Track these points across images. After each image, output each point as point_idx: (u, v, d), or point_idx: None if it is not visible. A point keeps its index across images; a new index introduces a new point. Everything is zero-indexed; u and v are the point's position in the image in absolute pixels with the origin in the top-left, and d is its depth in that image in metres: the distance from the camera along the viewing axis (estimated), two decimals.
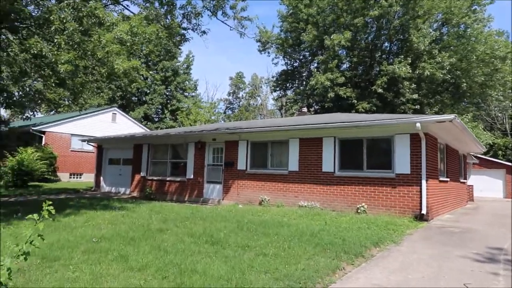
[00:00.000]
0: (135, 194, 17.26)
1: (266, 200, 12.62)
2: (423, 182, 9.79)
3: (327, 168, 11.60)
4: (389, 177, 10.41)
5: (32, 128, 22.37)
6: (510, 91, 25.62)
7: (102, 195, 16.67)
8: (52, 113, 40.32)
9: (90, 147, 22.28)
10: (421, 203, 9.79)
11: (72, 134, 24.14)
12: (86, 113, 26.10)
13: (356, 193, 10.96)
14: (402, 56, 23.02)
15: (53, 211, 3.03)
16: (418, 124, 9.35)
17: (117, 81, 10.73)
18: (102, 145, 19.67)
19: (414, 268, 5.30)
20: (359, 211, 10.58)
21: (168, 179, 16.13)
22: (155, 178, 16.64)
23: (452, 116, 8.95)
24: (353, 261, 5.52)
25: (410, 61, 22.61)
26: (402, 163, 10.19)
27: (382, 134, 10.72)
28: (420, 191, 9.84)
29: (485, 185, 29.03)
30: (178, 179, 15.70)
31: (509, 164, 33.26)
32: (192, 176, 15.14)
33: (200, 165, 14.99)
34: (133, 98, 40.71)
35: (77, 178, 24.68)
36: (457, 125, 9.78)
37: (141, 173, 17.22)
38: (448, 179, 12.71)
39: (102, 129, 24.89)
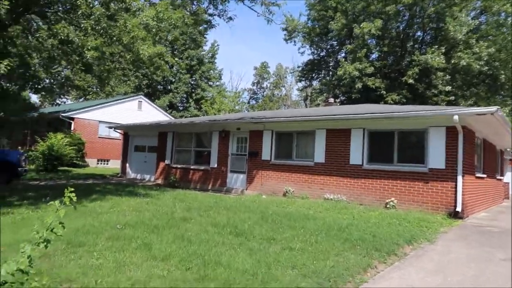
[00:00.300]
0: (159, 181, 17.40)
1: (291, 192, 12.36)
2: (459, 178, 9.23)
3: (355, 161, 11.18)
4: (421, 172, 9.90)
5: (62, 114, 22.96)
6: None
7: (127, 182, 16.91)
8: (81, 100, 41.43)
9: (116, 134, 22.65)
10: (456, 199, 9.26)
11: (99, 121, 24.62)
12: (113, 101, 26.58)
13: (385, 187, 10.51)
14: (436, 46, 21.91)
15: (74, 198, 2.88)
16: (456, 117, 8.76)
17: (143, 67, 10.63)
18: (128, 132, 19.91)
19: (453, 270, 4.93)
20: (388, 206, 10.15)
21: (192, 167, 16.13)
22: (179, 166, 16.69)
23: (494, 108, 8.33)
24: (385, 259, 5.20)
25: (444, 51, 21.51)
26: (436, 157, 9.65)
27: (415, 127, 10.18)
28: (455, 187, 9.29)
29: None
30: (202, 167, 15.67)
31: None
32: (215, 165, 15.06)
33: (224, 154, 14.87)
34: (158, 87, 41.12)
35: (104, 164, 25.24)
36: (499, 118, 9.11)
37: (165, 160, 17.32)
38: (485, 176, 12.01)
39: (128, 117, 25.24)
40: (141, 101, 27.46)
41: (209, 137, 15.51)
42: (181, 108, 42.53)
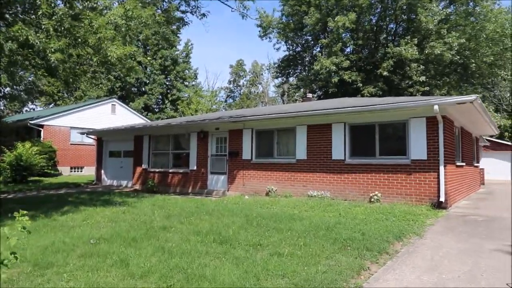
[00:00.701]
0: (137, 187, 16.78)
1: (273, 191, 12.10)
2: (441, 168, 9.21)
3: (337, 156, 11.03)
4: (404, 164, 9.84)
5: (30, 122, 21.83)
6: None
7: (103, 189, 16.20)
8: (50, 106, 39.77)
9: (90, 140, 21.74)
10: (439, 190, 9.24)
11: (71, 127, 23.60)
12: (85, 105, 25.57)
13: (369, 181, 10.41)
14: (409, 37, 22.16)
15: (28, 224, 2.45)
16: (436, 107, 8.72)
17: (113, 69, 10.01)
18: (102, 137, 19.12)
19: (447, 266, 4.76)
20: (372, 200, 10.05)
21: (170, 171, 15.61)
22: (157, 170, 16.12)
23: (473, 96, 8.31)
24: (377, 259, 4.99)
25: (416, 42, 21.78)
26: (418, 148, 9.60)
27: (396, 119, 10.10)
28: (438, 178, 9.27)
29: (493, 167, 28.41)
30: (181, 170, 15.18)
31: None
32: (195, 167, 14.61)
33: (203, 156, 14.44)
34: (132, 89, 39.99)
35: (78, 171, 24.23)
36: (478, 106, 9.15)
37: (142, 165, 16.70)
38: (464, 164, 12.13)
39: (101, 121, 24.32)
40: (114, 105, 26.52)
41: (187, 138, 15.03)
42: (157, 110, 41.56)
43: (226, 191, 13.59)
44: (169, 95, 40.62)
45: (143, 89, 40.31)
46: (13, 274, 4.45)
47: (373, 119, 10.44)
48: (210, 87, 53.57)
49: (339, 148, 10.99)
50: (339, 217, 7.79)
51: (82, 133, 19.56)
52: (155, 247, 5.47)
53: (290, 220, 7.30)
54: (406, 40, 21.82)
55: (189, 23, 12.07)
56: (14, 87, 12.61)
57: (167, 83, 41.72)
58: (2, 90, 12.61)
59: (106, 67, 9.89)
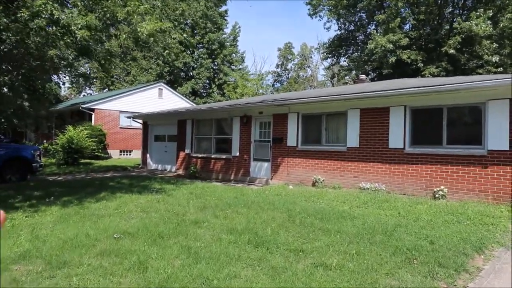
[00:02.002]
0: (180, 172, 16.54)
1: (321, 181, 11.04)
2: None
3: (395, 144, 9.67)
4: (478, 155, 8.28)
5: (82, 106, 22.52)
6: None
7: (147, 173, 16.16)
8: (105, 91, 41.41)
9: (138, 124, 21.98)
10: None
11: (120, 111, 24.04)
12: (133, 89, 25.94)
13: (433, 173, 8.98)
14: (481, 10, 19.40)
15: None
16: None
17: (146, 47, 9.40)
18: (148, 121, 19.13)
19: None
20: (436, 196, 8.64)
21: (213, 156, 15.09)
22: (199, 155, 15.70)
23: None
24: (454, 280, 3.86)
25: (490, 15, 19.01)
26: (497, 136, 7.99)
27: (469, 101, 8.51)
28: None
29: None
30: (224, 156, 14.59)
31: None
32: (237, 154, 13.93)
33: (246, 141, 13.69)
34: (181, 74, 40.25)
35: (127, 155, 24.80)
36: None
37: (185, 150, 16.39)
38: None
39: (149, 105, 24.51)
40: (161, 89, 26.63)
41: (230, 123, 14.35)
42: (204, 95, 41.60)
43: (269, 180, 12.77)
44: (216, 79, 40.39)
45: (191, 73, 40.44)
46: (22, 273, 3.98)
47: (440, 101, 8.91)
48: (257, 71, 52.75)
49: (397, 135, 9.61)
50: (398, 217, 6.62)
51: (129, 117, 19.73)
52: (182, 246, 4.78)
53: (340, 219, 6.27)
54: (477, 13, 19.12)
55: None
56: (69, 70, 12.46)
57: (214, 67, 41.48)
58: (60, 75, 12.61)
59: (139, 45, 9.26)
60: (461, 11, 22.59)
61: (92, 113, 22.90)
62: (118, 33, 8.17)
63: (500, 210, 7.22)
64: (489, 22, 18.59)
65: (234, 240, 5.07)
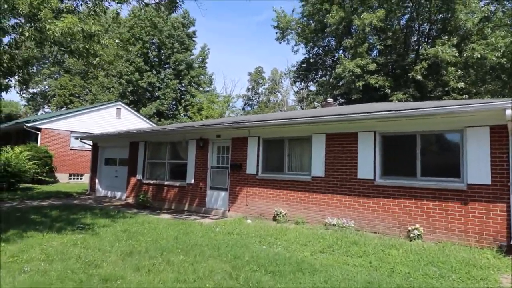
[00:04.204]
0: (130, 200, 14.74)
1: (282, 214, 9.72)
2: None
3: (364, 174, 8.57)
4: (456, 189, 7.29)
5: (26, 125, 20.32)
6: None
7: (92, 201, 14.25)
8: (63, 109, 38.83)
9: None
10: (509, 228, 6.65)
11: (71, 131, 21.97)
12: (88, 108, 24.05)
13: (407, 209, 7.89)
14: (446, 38, 19.46)
15: None
16: (508, 112, 6.19)
17: (64, 49, 7.87)
18: (98, 143, 17.30)
19: None
20: (411, 235, 7.52)
21: (166, 183, 13.48)
22: (151, 182, 14.03)
23: None
24: None
25: (455, 42, 19.06)
26: (477, 168, 7.05)
27: (445, 128, 7.60)
28: (508, 211, 6.68)
29: None
30: (177, 183, 13.02)
31: None
32: (192, 181, 12.43)
33: (202, 168, 12.25)
34: (145, 94, 38.49)
35: (77, 179, 22.54)
36: None
37: (137, 175, 14.67)
38: None
39: (105, 126, 22.63)
40: (119, 108, 24.83)
41: (185, 147, 12.89)
42: (170, 116, 39.90)
43: (226, 211, 11.31)
44: (182, 101, 38.94)
45: (156, 94, 38.81)
46: None
47: (413, 127, 7.96)
48: (227, 94, 51.81)
49: (367, 164, 8.54)
50: (369, 268, 5.34)
51: (76, 138, 17.81)
52: None
53: (297, 273, 4.92)
54: (442, 40, 19.11)
55: (180, 5, 9.83)
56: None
57: (181, 89, 40.14)
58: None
59: (48, 46, 7.71)
60: (426, 39, 22.74)
61: (38, 132, 20.70)
62: (20, 30, 6.67)
63: (486, 257, 6.13)
64: (454, 48, 18.55)
65: None
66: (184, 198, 12.70)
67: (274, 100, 58.72)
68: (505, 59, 18.82)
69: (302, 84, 30.33)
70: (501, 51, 18.51)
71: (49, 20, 5.96)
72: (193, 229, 8.12)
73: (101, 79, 36.54)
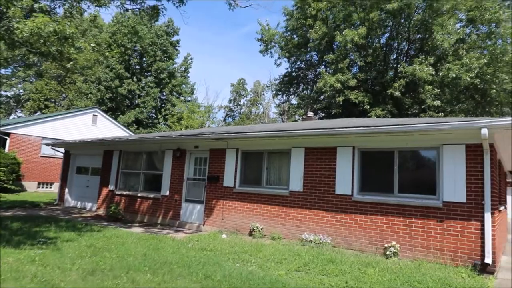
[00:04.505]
0: (101, 211, 14.13)
1: (259, 229, 9.46)
2: (487, 216, 6.65)
3: (342, 190, 8.46)
4: (432, 206, 7.26)
5: None
6: None
7: (60, 212, 13.57)
8: (37, 114, 37.49)
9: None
10: (483, 247, 6.63)
11: (43, 137, 21.10)
12: (62, 114, 23.23)
13: (384, 226, 7.80)
14: (423, 57, 19.97)
15: None
16: (484, 131, 6.24)
17: (32, 49, 7.45)
18: (70, 150, 16.62)
19: None
20: (387, 252, 7.41)
21: (139, 195, 13.00)
22: (124, 193, 13.51)
23: None
24: None
25: (432, 61, 19.58)
26: (453, 186, 7.05)
27: (423, 145, 7.61)
28: (482, 229, 6.69)
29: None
30: (152, 195, 12.58)
31: None
32: (167, 193, 12.02)
33: (178, 179, 11.88)
34: (124, 101, 37.62)
35: (46, 187, 21.58)
36: None
37: (109, 186, 14.11)
38: (502, 208, 9.55)
39: (80, 133, 21.90)
40: (96, 115, 24.13)
41: (161, 157, 12.51)
42: (149, 125, 39.12)
43: (201, 225, 10.95)
44: (162, 110, 38.33)
45: (136, 101, 38.06)
46: None
47: (391, 144, 7.94)
48: (209, 104, 51.50)
49: (345, 180, 8.44)
50: (345, 287, 5.16)
51: (47, 145, 17.04)
52: None
53: None
54: (420, 59, 19.61)
55: (163, 11, 9.60)
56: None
57: (162, 97, 39.56)
58: None
59: (19, 46, 7.29)
60: (405, 58, 23.30)
61: (7, 138, 19.77)
62: None
63: (461, 275, 6.07)
64: (431, 68, 19.03)
65: None
66: (158, 210, 12.25)
67: (255, 112, 58.83)
68: (479, 80, 19.45)
69: (284, 97, 30.42)
70: (475, 72, 19.12)
71: (18, 19, 5.62)
72: (164, 245, 7.74)
73: (79, 84, 35.60)
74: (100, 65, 34.96)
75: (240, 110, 58.88)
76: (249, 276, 5.40)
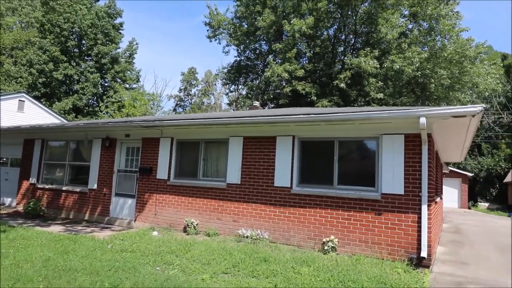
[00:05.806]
0: (20, 208, 12.51)
1: (194, 225, 8.73)
2: (424, 208, 6.48)
3: (281, 182, 7.96)
4: (371, 198, 6.99)
5: None
6: (477, 95, 23.91)
7: None
8: None
9: None
10: (419, 239, 6.46)
11: None
12: None
13: (323, 220, 7.43)
14: (369, 49, 20.21)
15: None
16: (423, 120, 5.99)
17: None
18: None
19: None
20: (326, 247, 7.04)
21: (64, 188, 11.64)
22: (47, 186, 12.06)
23: (478, 107, 5.67)
24: None
25: (377, 55, 19.86)
26: (391, 177, 6.81)
27: (362, 134, 7.30)
28: (419, 222, 6.51)
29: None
30: (78, 189, 11.30)
31: (464, 173, 32.19)
32: (95, 186, 10.84)
33: (107, 171, 10.74)
34: (61, 87, 34.56)
35: None
36: (475, 123, 6.61)
37: (30, 179, 12.53)
38: (439, 198, 9.67)
39: (3, 120, 19.45)
40: (23, 101, 21.65)
41: (89, 147, 11.24)
42: (90, 113, 36.34)
43: (132, 222, 9.97)
44: (104, 97, 35.78)
45: (74, 88, 35.17)
46: None
47: (331, 133, 7.55)
48: (158, 93, 49.24)
49: (284, 172, 7.94)
50: None
51: None
52: None
53: None
54: (365, 51, 19.79)
55: None
56: None
57: (105, 84, 36.94)
58: None
59: None
60: (352, 51, 23.52)
61: None
62: None
63: (397, 271, 5.81)
64: (375, 60, 19.28)
65: None
66: (85, 205, 11.03)
67: (207, 102, 57.55)
68: (420, 73, 20.08)
69: (233, 86, 29.65)
70: (416, 65, 19.71)
71: None
72: (79, 246, 6.74)
73: (7, 66, 32.02)
74: (33, 47, 31.75)
75: (191, 100, 57.25)
76: (165, 284, 4.66)
